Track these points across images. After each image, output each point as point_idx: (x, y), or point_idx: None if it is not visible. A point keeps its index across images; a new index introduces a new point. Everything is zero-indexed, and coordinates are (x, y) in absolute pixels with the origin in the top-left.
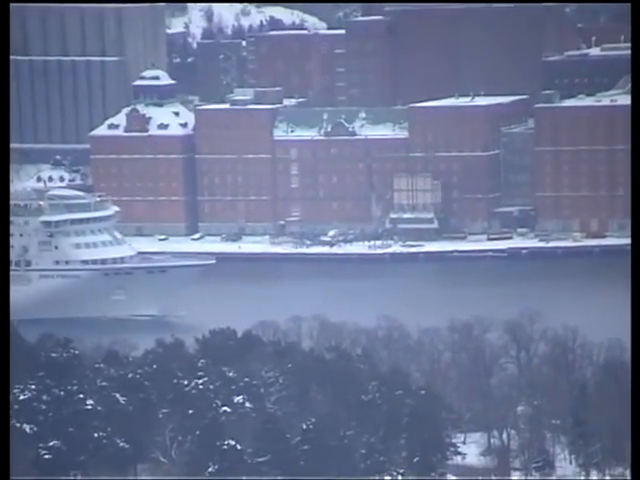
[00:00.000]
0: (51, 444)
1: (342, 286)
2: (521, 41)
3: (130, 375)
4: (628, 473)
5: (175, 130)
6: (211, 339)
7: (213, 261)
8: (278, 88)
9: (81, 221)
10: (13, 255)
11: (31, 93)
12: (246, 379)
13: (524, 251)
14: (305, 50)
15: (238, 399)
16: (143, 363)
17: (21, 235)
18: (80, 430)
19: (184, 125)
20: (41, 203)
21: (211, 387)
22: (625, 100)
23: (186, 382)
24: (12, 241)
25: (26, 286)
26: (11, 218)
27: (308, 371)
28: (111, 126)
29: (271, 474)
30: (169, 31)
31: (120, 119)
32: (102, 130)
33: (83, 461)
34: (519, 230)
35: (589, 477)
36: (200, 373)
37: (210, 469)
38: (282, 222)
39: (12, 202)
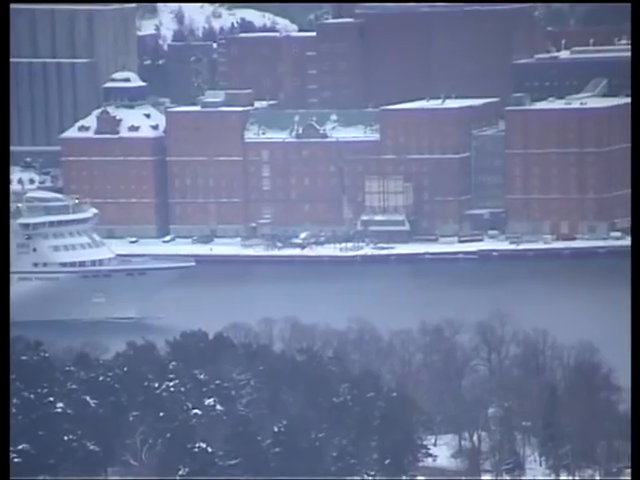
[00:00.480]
0: (20, 447)
1: (313, 288)
2: (492, 44)
3: (101, 378)
4: (597, 475)
5: (146, 132)
6: (182, 341)
7: (193, 263)
8: (249, 90)
9: (59, 223)
10: None
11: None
12: (217, 381)
13: (495, 253)
14: (276, 52)
15: (209, 402)
16: (114, 366)
17: None
18: (50, 433)
19: (155, 127)
20: (19, 205)
21: (182, 390)
22: (594, 103)
23: (157, 385)
24: None
25: None
26: None
27: (279, 373)
28: (82, 128)
29: (242, 476)
30: (140, 33)
31: (91, 121)
32: (73, 132)
33: (53, 464)
34: (490, 232)
35: (559, 478)
36: (171, 375)
37: (181, 472)
38: (254, 224)
39: None
